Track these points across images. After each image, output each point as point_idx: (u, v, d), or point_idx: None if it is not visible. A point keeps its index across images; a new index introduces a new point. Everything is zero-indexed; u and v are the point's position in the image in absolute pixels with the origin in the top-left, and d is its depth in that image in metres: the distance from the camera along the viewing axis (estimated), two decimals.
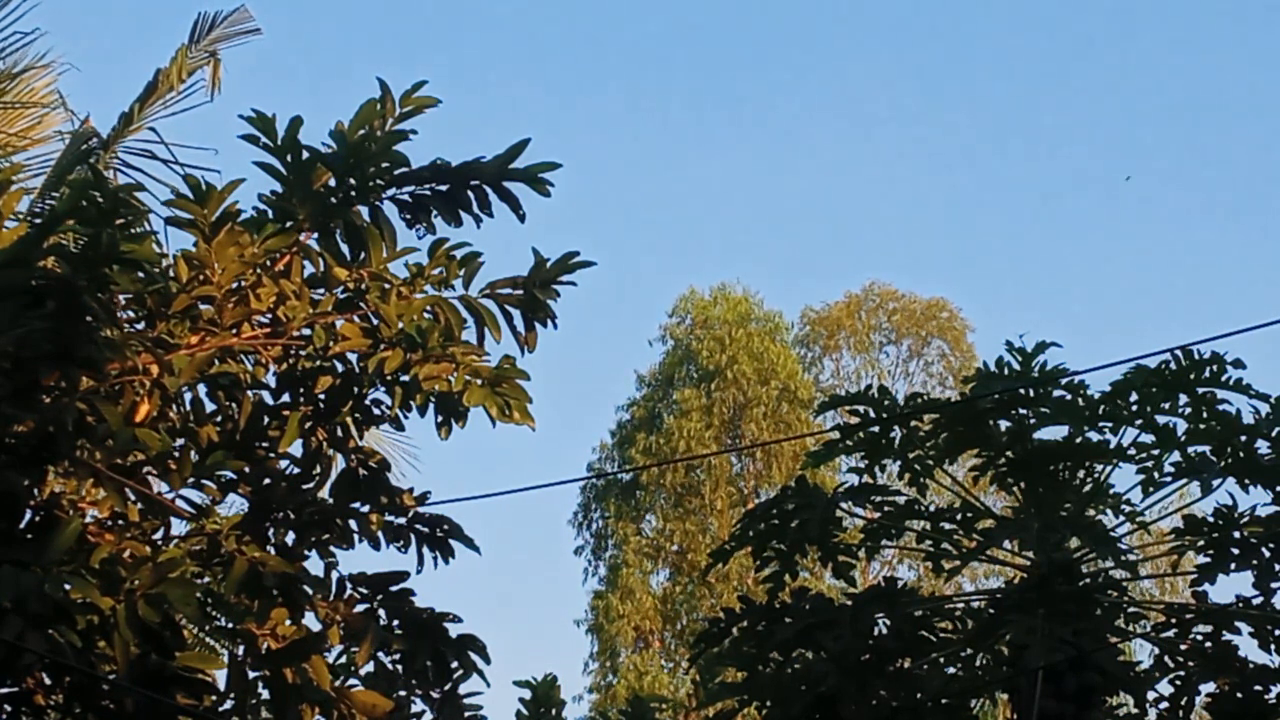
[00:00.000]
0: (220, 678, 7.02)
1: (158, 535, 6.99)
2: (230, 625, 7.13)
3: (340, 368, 7.44)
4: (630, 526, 35.78)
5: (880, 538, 11.29)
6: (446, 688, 7.39)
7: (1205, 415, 10.61)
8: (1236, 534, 10.48)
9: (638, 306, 56.12)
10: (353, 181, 7.42)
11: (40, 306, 6.64)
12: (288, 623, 7.07)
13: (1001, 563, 11.45)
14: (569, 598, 52.64)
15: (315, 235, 7.46)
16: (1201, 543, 10.61)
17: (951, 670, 10.85)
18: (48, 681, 6.63)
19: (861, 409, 11.22)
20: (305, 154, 7.35)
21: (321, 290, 7.45)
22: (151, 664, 6.46)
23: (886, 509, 11.13)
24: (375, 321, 7.37)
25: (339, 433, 7.55)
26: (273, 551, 7.09)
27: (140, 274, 6.93)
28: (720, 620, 11.08)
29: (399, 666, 7.36)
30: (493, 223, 7.55)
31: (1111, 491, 10.96)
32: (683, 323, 37.67)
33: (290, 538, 7.36)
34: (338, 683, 7.17)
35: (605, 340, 51.14)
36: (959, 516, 11.07)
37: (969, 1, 52.56)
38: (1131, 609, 10.97)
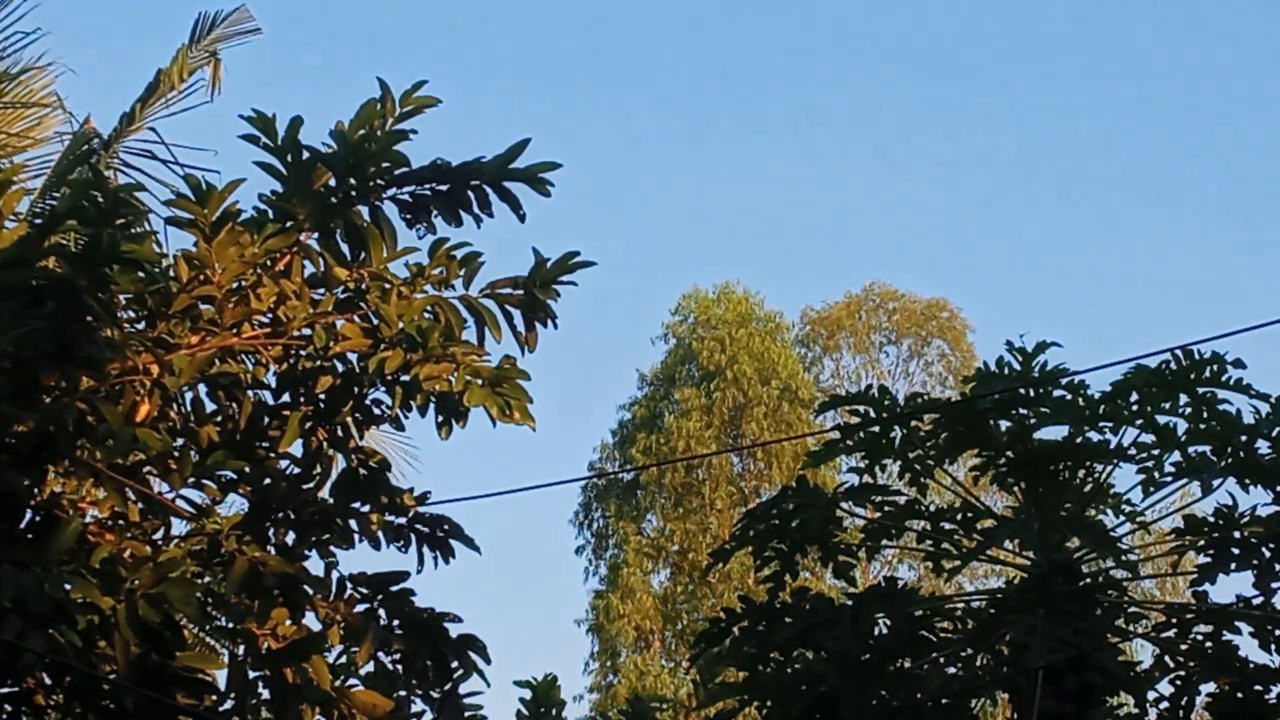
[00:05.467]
0: (220, 678, 7.03)
1: (158, 535, 6.99)
2: (230, 625, 7.13)
3: (340, 368, 7.44)
4: (631, 526, 35.79)
5: (880, 538, 11.29)
6: (446, 688, 7.39)
7: (1205, 415, 10.61)
8: (1237, 534, 10.47)
9: (637, 307, 56.16)
10: (353, 181, 7.42)
11: (40, 306, 6.64)
12: (288, 623, 7.07)
13: (1001, 563, 11.45)
14: (569, 598, 52.71)
15: (315, 235, 7.46)
16: (1202, 543, 10.61)
17: (951, 670, 10.84)
18: (48, 681, 6.62)
19: (862, 409, 11.22)
20: (305, 154, 7.35)
21: (322, 290, 7.45)
22: (152, 664, 6.46)
23: (886, 509, 11.13)
24: (375, 321, 7.37)
25: (339, 433, 7.55)
26: (273, 551, 7.09)
27: (140, 274, 6.93)
28: (720, 620, 11.07)
29: (399, 666, 7.36)
30: (493, 223, 7.56)
31: (1111, 491, 10.95)
32: (685, 321, 37.70)
33: (290, 538, 7.36)
34: (338, 683, 7.17)
35: (606, 340, 51.17)
36: (959, 516, 11.07)
37: (969, 1, 52.58)
38: (1131, 609, 10.96)
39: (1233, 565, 10.43)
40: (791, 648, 10.71)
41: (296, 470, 7.48)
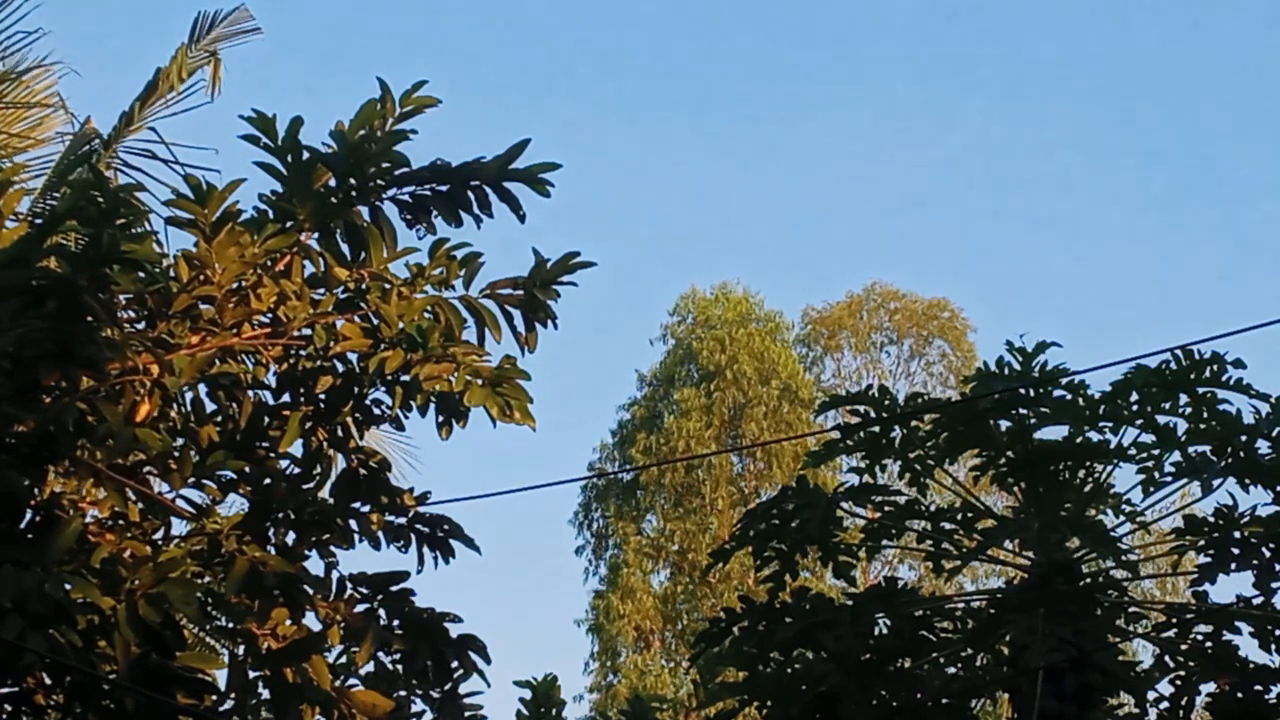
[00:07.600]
0: (220, 678, 7.03)
1: (158, 535, 6.99)
2: (230, 625, 7.13)
3: (341, 368, 7.44)
4: (631, 526, 35.79)
5: (880, 538, 11.30)
6: (446, 688, 7.39)
7: (1205, 415, 10.62)
8: (1237, 534, 10.48)
9: (638, 307, 56.22)
10: (353, 181, 7.42)
11: (41, 306, 6.64)
12: (288, 623, 7.07)
13: (1002, 563, 11.45)
14: (569, 598, 52.70)
15: (316, 235, 7.45)
16: (1202, 543, 10.61)
17: (951, 670, 10.85)
18: (48, 681, 6.62)
19: (862, 409, 11.23)
20: (305, 154, 7.35)
21: (322, 290, 7.45)
22: (152, 664, 6.46)
23: (887, 509, 11.14)
24: (376, 321, 7.37)
25: (339, 433, 7.54)
26: (273, 551, 7.09)
27: (141, 274, 6.93)
28: (721, 620, 11.07)
29: (399, 666, 7.35)
30: (493, 223, 7.56)
31: (1112, 491, 10.97)
32: (684, 321, 37.70)
33: (290, 538, 7.35)
34: (338, 683, 7.17)
35: (606, 340, 51.17)
36: (959, 516, 11.08)
37: (969, 1, 52.59)
38: (1132, 609, 10.97)
39: (1233, 565, 10.43)
40: (791, 648, 10.72)
41: (296, 470, 7.48)
